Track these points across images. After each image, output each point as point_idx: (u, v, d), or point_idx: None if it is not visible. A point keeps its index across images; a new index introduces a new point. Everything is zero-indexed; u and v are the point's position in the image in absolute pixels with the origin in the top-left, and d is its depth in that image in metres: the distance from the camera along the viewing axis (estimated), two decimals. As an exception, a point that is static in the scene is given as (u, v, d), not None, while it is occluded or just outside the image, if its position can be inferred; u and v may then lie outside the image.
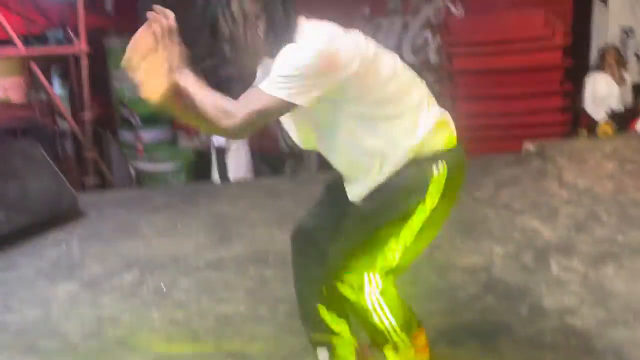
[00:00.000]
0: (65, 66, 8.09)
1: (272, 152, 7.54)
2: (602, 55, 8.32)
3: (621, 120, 8.17)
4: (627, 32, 9.34)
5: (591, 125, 8.30)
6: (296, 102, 2.15)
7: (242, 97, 2.12)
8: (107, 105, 8.36)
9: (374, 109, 2.36)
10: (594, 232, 4.40)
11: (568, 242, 4.23)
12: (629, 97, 8.27)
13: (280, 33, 2.25)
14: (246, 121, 2.10)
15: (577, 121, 8.65)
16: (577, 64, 8.67)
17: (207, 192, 5.39)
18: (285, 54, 2.18)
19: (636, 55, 9.47)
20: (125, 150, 7.94)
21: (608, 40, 9.28)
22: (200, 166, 7.91)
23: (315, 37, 2.21)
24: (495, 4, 8.94)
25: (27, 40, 6.85)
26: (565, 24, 8.58)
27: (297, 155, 7.67)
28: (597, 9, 9.79)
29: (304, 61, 2.15)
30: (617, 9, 9.32)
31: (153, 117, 8.14)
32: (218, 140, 7.00)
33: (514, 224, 4.56)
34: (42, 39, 7.45)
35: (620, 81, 8.12)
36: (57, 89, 9.92)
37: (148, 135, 8.09)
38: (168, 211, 4.97)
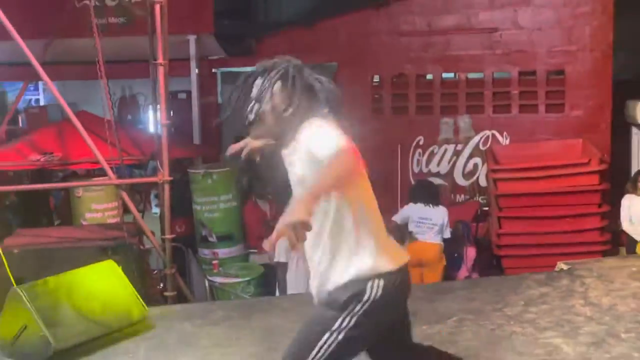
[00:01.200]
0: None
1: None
2: (635, 179, 8.29)
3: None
4: (663, 158, 9.29)
5: (629, 244, 8.19)
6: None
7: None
8: (189, 225, 8.73)
9: (350, 220, 2.64)
10: (611, 349, 4.35)
11: (586, 357, 4.19)
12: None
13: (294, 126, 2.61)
14: (340, 165, 2.40)
15: (616, 240, 8.54)
16: (616, 187, 8.63)
17: (261, 306, 5.55)
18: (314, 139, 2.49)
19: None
20: (204, 266, 8.23)
21: (645, 164, 9.25)
22: (268, 280, 8.10)
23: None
24: (537, 133, 9.12)
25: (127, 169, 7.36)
26: (603, 150, 8.62)
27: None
28: (635, 137, 9.81)
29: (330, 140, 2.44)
30: (653, 136, 9.32)
31: (228, 236, 8.47)
32: (279, 255, 7.19)
33: (537, 340, 4.55)
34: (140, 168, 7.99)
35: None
36: (154, 210, 10.46)
37: (223, 251, 8.40)
38: (227, 323, 5.15)
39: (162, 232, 7.10)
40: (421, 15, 9.55)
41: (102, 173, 7.81)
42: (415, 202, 7.98)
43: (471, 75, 9.59)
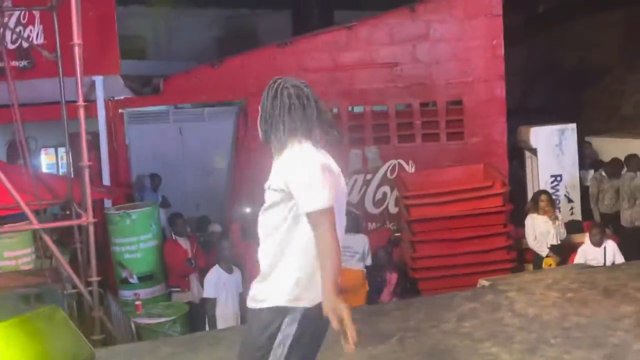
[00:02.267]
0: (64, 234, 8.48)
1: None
2: (536, 199, 8.92)
3: (561, 252, 8.67)
4: (557, 178, 10.02)
5: (536, 260, 8.78)
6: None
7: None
8: (102, 268, 8.59)
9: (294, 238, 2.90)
10: (544, 354, 4.74)
11: (523, 363, 4.55)
12: (564, 233, 8.81)
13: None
14: (333, 240, 2.79)
15: (522, 258, 9.14)
16: (517, 207, 9.24)
17: (207, 340, 5.62)
18: (293, 165, 2.82)
19: (566, 196, 10.11)
20: (126, 308, 8.13)
21: (541, 186, 9.95)
22: (193, 318, 8.11)
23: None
24: (440, 160, 9.64)
25: (37, 214, 7.21)
26: (503, 174, 9.22)
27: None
28: (529, 161, 10.54)
29: (308, 169, 2.81)
30: (545, 160, 10.04)
31: (149, 276, 8.42)
32: (207, 291, 7.25)
33: (477, 351, 4.88)
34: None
35: (555, 220, 8.67)
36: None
37: (145, 292, 8.35)
38: (175, 359, 5.19)
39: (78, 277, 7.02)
40: (326, 52, 9.94)
41: (11, 220, 7.64)
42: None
43: (376, 108, 10.04)
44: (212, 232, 9.38)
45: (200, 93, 10.14)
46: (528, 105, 14.31)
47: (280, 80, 3.02)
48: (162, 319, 7.75)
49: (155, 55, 16.78)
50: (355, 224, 8.40)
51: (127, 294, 8.42)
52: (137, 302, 8.11)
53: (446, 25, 9.90)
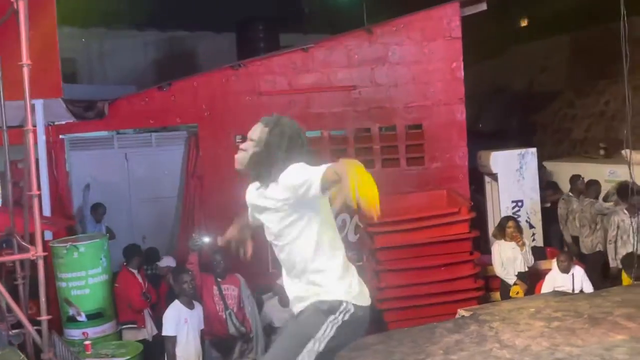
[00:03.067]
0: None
1: (221, 336, 7.50)
2: (502, 225, 8.93)
3: (529, 280, 8.67)
4: (518, 204, 10.09)
5: (503, 288, 8.76)
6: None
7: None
8: (50, 305, 8.15)
9: (328, 238, 3.37)
10: (543, 387, 4.62)
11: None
12: (532, 260, 8.83)
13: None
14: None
15: (487, 286, 9.10)
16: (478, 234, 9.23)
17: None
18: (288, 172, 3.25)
19: (527, 222, 10.18)
20: (73, 348, 7.70)
21: (502, 211, 9.99)
22: (149, 357, 7.75)
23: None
24: (400, 186, 9.54)
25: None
26: (467, 200, 9.19)
27: (246, 337, 7.66)
28: (488, 186, 10.58)
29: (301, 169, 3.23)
30: (506, 185, 10.10)
31: (99, 313, 8.02)
32: (167, 329, 6.94)
33: (471, 386, 4.73)
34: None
35: (522, 246, 8.69)
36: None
37: (94, 330, 7.93)
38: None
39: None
40: (281, 75, 9.79)
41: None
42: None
43: (334, 133, 9.91)
44: (166, 267, 9.04)
45: (148, 117, 9.83)
46: (479, 129, 14.47)
47: (279, 119, 3.52)
48: (116, 359, 7.36)
49: (88, 78, 16.36)
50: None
51: (74, 333, 7.98)
52: (87, 342, 7.67)
53: (404, 48, 9.87)
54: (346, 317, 3.29)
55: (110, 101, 9.87)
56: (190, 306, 7.06)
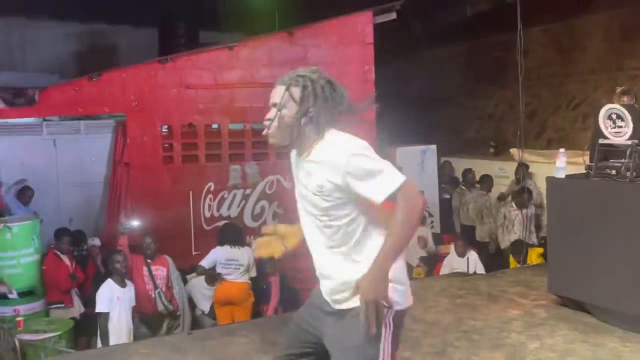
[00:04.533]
0: None
1: (150, 314, 7.48)
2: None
3: (429, 263, 9.03)
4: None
5: (407, 269, 9.07)
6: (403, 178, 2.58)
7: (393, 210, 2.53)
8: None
9: (369, 228, 2.71)
10: (453, 356, 4.90)
11: (438, 365, 4.68)
12: (432, 245, 9.19)
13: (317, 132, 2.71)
14: (415, 205, 2.55)
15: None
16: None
17: (116, 356, 5.30)
18: (358, 158, 2.58)
19: (426, 211, 10.55)
20: (4, 325, 7.50)
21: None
22: (78, 333, 7.64)
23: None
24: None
25: None
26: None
27: (173, 315, 7.67)
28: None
29: (372, 155, 2.61)
30: (409, 178, 10.41)
31: (30, 291, 7.83)
32: (100, 306, 6.87)
33: (391, 355, 4.94)
34: None
35: (424, 233, 9.03)
36: None
37: (26, 307, 7.73)
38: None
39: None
40: (207, 70, 9.75)
41: None
42: (222, 244, 8.11)
43: (256, 126, 9.97)
44: (92, 247, 8.89)
45: (78, 106, 9.57)
46: (383, 127, 14.82)
47: (297, 72, 2.87)
48: (47, 335, 7.21)
49: (8, 66, 15.72)
50: (239, 238, 8.30)
51: (5, 310, 7.76)
52: (19, 319, 7.50)
53: (322, 50, 10.03)
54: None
55: (40, 89, 9.57)
56: (123, 284, 7.00)
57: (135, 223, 8.37)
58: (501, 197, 10.27)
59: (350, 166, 2.58)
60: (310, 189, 2.72)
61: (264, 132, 2.76)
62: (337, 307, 2.77)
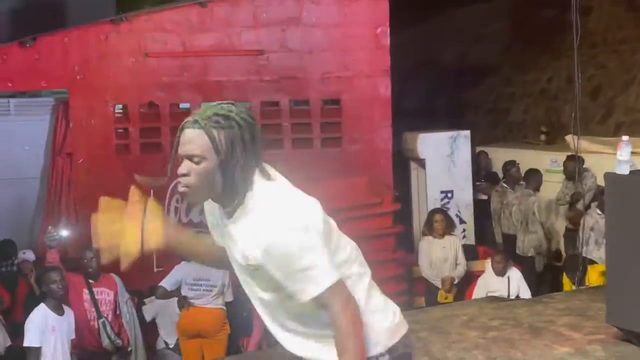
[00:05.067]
0: None
1: (92, 350, 7.45)
2: (430, 219, 9.20)
3: (460, 283, 8.99)
4: (447, 195, 10.39)
5: (429, 292, 9.04)
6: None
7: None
8: None
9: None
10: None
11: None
12: (463, 260, 9.14)
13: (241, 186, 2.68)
14: (352, 315, 2.64)
15: (411, 290, 9.37)
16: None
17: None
18: (285, 244, 2.57)
19: (457, 216, 10.51)
20: None
21: (429, 203, 10.28)
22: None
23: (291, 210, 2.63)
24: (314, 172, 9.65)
25: None
26: (390, 189, 9.42)
27: (122, 352, 7.64)
28: (414, 173, 10.86)
29: (307, 242, 2.59)
30: (435, 173, 10.39)
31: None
32: (30, 339, 6.84)
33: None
34: None
35: (452, 245, 8.98)
36: None
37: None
38: None
39: None
40: (173, 33, 9.72)
41: None
42: (188, 260, 8.06)
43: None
44: (24, 261, 8.88)
45: (6, 79, 9.55)
46: (402, 107, 14.77)
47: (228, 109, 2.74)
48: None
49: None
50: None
51: None
52: None
53: (322, 7, 9.97)
54: None
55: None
56: (59, 311, 6.95)
57: (64, 233, 8.38)
58: (561, 200, 10.17)
59: (272, 251, 2.61)
60: (237, 258, 2.78)
61: (180, 190, 2.71)
62: None
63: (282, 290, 2.70)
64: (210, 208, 2.91)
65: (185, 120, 2.71)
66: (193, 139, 2.66)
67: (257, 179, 2.71)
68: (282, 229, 2.59)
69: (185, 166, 2.67)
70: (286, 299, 2.73)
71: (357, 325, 2.66)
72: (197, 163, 2.66)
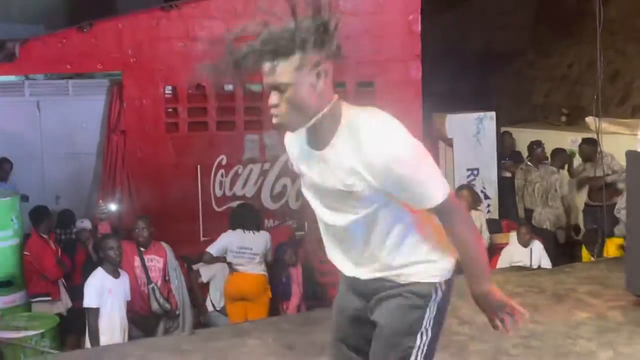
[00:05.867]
0: None
1: (142, 314, 7.57)
2: (458, 195, 9.20)
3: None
4: (473, 172, 10.40)
5: (456, 262, 9.06)
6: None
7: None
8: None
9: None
10: (506, 365, 4.90)
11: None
12: (486, 234, 9.16)
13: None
14: (472, 224, 2.82)
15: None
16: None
17: (108, 358, 5.41)
18: (401, 155, 2.51)
19: (482, 192, 10.52)
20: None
21: (456, 180, 10.29)
22: (64, 331, 7.78)
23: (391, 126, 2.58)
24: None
25: None
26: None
27: (171, 315, 7.75)
28: (442, 152, 10.87)
29: (421, 152, 2.59)
30: (462, 152, 10.39)
31: (8, 281, 7.98)
32: (89, 300, 6.96)
33: (432, 363, 4.96)
34: None
35: (477, 219, 8.99)
36: None
37: (4, 300, 7.88)
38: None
39: None
40: (219, 20, 9.76)
41: None
42: (234, 228, 8.17)
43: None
44: (82, 230, 9.03)
45: (65, 62, 9.67)
46: (431, 90, 14.74)
47: (295, 31, 2.64)
48: (29, 332, 7.34)
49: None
50: (255, 221, 8.35)
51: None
52: (-5, 312, 7.68)
53: (359, -3, 9.99)
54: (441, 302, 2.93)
55: (21, 41, 9.69)
56: (116, 275, 7.06)
57: (113, 206, 8.51)
58: (577, 176, 10.15)
59: (392, 173, 2.54)
60: (334, 183, 2.67)
61: (273, 122, 2.63)
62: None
63: (375, 209, 2.64)
64: (291, 140, 2.86)
65: (250, 49, 2.58)
66: (275, 69, 2.55)
67: (347, 109, 2.64)
68: (395, 142, 2.52)
69: (273, 97, 2.57)
70: (372, 221, 2.67)
71: (477, 233, 2.80)
72: (283, 91, 2.54)
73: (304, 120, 2.60)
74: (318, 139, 2.65)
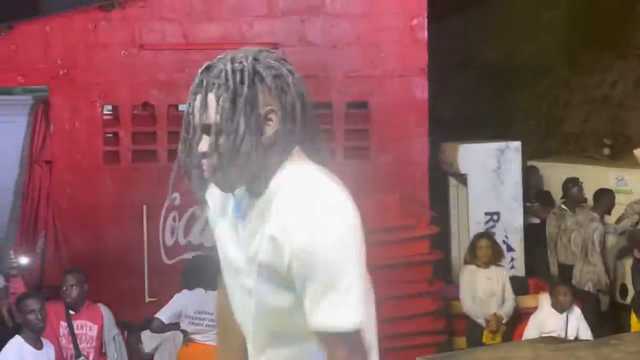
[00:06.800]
0: None
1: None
2: (474, 245, 9.21)
3: (509, 321, 8.99)
4: (493, 217, 10.38)
5: (472, 331, 9.04)
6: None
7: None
8: None
9: None
10: None
11: None
12: (511, 294, 9.14)
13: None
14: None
15: (450, 328, 9.37)
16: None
17: None
18: (326, 247, 2.36)
19: (505, 242, 10.50)
20: None
21: (471, 227, 10.28)
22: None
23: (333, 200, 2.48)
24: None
25: None
26: (426, 209, 9.43)
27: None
28: (454, 191, 10.86)
29: (352, 252, 2.41)
30: (478, 191, 10.37)
31: None
32: None
33: None
34: None
35: (498, 277, 8.99)
36: None
37: None
38: None
39: None
40: (174, 23, 9.78)
41: None
42: (190, 288, 8.11)
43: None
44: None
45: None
46: (440, 113, 14.79)
47: (245, 59, 2.59)
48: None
49: None
50: (216, 278, 8.27)
51: None
52: None
53: (348, -6, 10.05)
54: None
55: None
56: (38, 345, 7.02)
57: (24, 261, 8.45)
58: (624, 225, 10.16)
59: (305, 258, 2.42)
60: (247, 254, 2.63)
61: (205, 175, 2.56)
62: None
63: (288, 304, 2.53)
64: (215, 195, 2.74)
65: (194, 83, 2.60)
66: (204, 102, 2.56)
67: (292, 158, 2.58)
68: (324, 225, 2.39)
69: (203, 142, 2.51)
70: (284, 316, 2.57)
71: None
72: (216, 135, 2.49)
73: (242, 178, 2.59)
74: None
